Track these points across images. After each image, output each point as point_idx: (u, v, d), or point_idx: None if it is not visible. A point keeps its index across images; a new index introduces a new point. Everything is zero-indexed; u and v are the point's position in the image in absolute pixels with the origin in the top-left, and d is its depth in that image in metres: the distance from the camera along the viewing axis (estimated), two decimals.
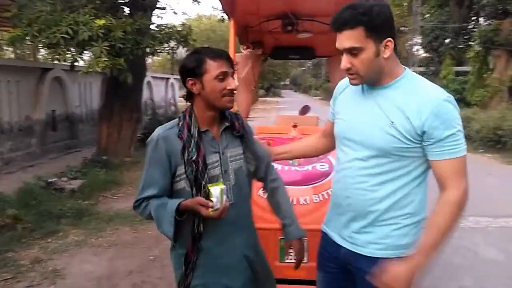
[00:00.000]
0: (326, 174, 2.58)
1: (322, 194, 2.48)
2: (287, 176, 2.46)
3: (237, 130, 1.73)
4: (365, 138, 1.59)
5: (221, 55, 1.62)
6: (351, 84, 1.60)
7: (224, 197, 1.55)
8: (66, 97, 10.28)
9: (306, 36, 3.71)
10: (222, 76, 1.59)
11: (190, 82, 1.62)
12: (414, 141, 1.50)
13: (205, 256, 1.68)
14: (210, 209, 1.52)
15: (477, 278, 3.77)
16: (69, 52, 6.49)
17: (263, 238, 2.00)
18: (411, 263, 1.50)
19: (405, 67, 1.61)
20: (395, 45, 1.51)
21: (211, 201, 1.52)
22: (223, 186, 1.55)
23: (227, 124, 1.72)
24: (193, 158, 1.60)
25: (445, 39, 21.72)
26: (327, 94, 36.96)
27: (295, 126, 3.10)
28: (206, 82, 1.60)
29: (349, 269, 1.71)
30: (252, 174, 1.81)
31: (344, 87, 1.78)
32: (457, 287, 3.61)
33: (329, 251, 1.78)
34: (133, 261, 4.10)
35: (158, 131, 1.68)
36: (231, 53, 3.15)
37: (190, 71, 1.61)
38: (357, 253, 1.65)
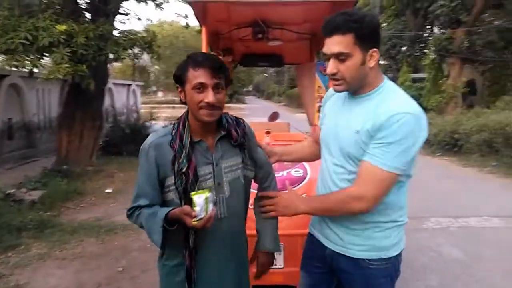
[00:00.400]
0: (301, 179, 2.61)
1: None
2: None
3: (235, 140, 1.62)
4: (339, 144, 1.64)
5: (203, 63, 1.49)
6: (336, 90, 1.63)
7: (210, 205, 1.43)
8: (23, 105, 9.86)
9: (276, 44, 3.77)
10: (200, 87, 1.48)
11: (179, 90, 1.57)
12: None
13: (203, 270, 1.60)
14: (194, 219, 1.40)
15: (442, 277, 3.91)
16: (28, 58, 6.25)
17: None
18: (294, 204, 1.70)
19: (385, 78, 1.65)
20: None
21: (194, 210, 1.41)
22: (209, 194, 1.43)
23: (223, 133, 1.62)
24: (183, 169, 1.51)
25: (402, 47, 22.57)
26: (290, 100, 37.45)
27: (268, 132, 3.13)
28: (187, 92, 1.53)
29: (334, 270, 1.75)
30: (250, 181, 1.75)
31: (331, 95, 1.83)
32: (424, 287, 3.73)
33: (315, 252, 1.81)
34: (100, 273, 3.97)
35: (151, 138, 1.61)
36: None
37: (176, 77, 1.56)
38: (341, 254, 1.69)
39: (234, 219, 1.65)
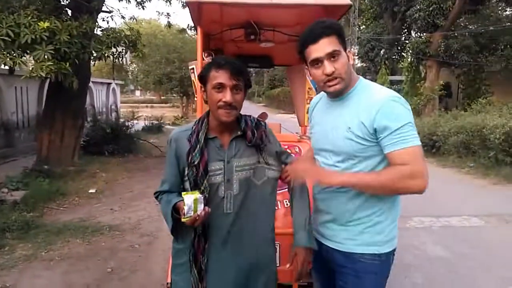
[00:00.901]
0: None
1: None
2: None
3: (249, 140, 1.70)
4: (333, 146, 1.72)
5: (223, 66, 1.60)
6: (334, 90, 1.67)
7: (201, 206, 1.53)
8: (1, 103, 9.64)
9: (268, 45, 3.79)
10: (219, 87, 1.59)
11: (202, 89, 1.69)
12: (370, 140, 1.62)
13: (214, 262, 1.68)
14: (183, 216, 1.52)
15: (426, 275, 4.03)
16: (9, 55, 6.10)
17: None
18: (336, 174, 1.67)
19: (360, 76, 1.78)
20: None
21: (183, 208, 1.53)
22: (199, 196, 1.53)
23: (239, 133, 1.70)
24: (195, 162, 1.62)
25: (380, 49, 22.94)
26: (270, 100, 37.55)
27: None
28: (208, 91, 1.65)
29: (330, 264, 1.83)
30: (276, 181, 1.80)
31: (315, 103, 1.94)
32: (410, 284, 3.83)
33: (316, 251, 1.84)
34: (89, 274, 3.93)
35: (175, 131, 1.78)
36: (199, 60, 3.15)
37: (200, 78, 1.68)
38: (336, 250, 1.77)
39: (244, 216, 1.69)
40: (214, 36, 3.79)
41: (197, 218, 1.52)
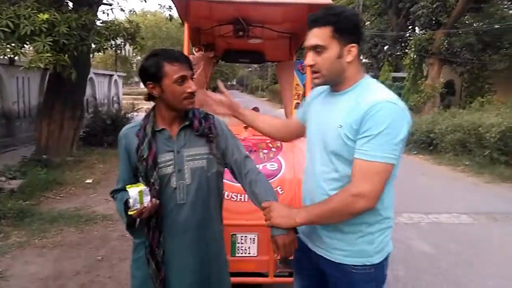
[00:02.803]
0: (275, 174, 2.74)
1: None
2: None
3: (196, 129, 1.72)
4: (323, 142, 1.65)
5: (179, 58, 1.62)
6: (315, 83, 1.67)
7: (147, 198, 1.55)
8: (3, 93, 9.74)
9: (256, 41, 3.87)
10: (181, 80, 1.62)
11: (150, 86, 1.65)
12: (355, 141, 1.53)
13: (172, 253, 1.71)
14: (129, 209, 1.55)
15: (409, 268, 4.11)
16: (9, 46, 6.19)
17: None
18: (292, 214, 1.58)
19: (366, 74, 1.67)
20: (360, 52, 1.62)
21: (129, 202, 1.55)
22: (143, 188, 1.55)
23: (187, 123, 1.72)
24: (144, 156, 1.64)
25: (384, 46, 22.87)
26: (274, 95, 37.51)
27: (246, 127, 3.23)
28: (165, 86, 1.62)
29: (322, 272, 1.76)
30: (221, 175, 1.83)
31: (317, 94, 1.84)
32: (392, 276, 3.92)
33: (305, 256, 1.82)
34: (80, 262, 4.05)
35: (124, 128, 1.77)
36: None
37: (149, 74, 1.64)
38: (326, 259, 1.70)
39: (197, 206, 1.71)
40: (205, 31, 3.87)
41: (144, 210, 1.54)
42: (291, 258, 1.75)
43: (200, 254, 1.75)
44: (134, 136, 1.70)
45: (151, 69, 1.62)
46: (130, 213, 1.56)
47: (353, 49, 1.58)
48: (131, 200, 1.53)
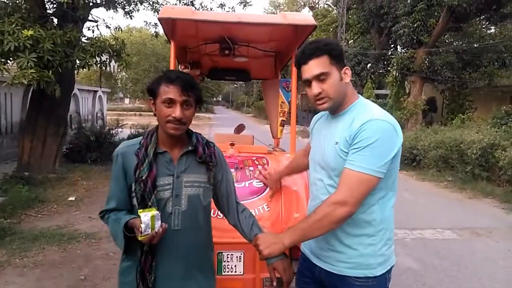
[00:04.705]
0: (261, 191, 2.74)
1: (258, 209, 2.63)
2: None
3: (199, 156, 1.69)
4: (323, 160, 1.77)
5: (174, 81, 1.58)
6: (322, 108, 1.75)
7: (158, 223, 1.51)
8: None
9: (242, 60, 3.90)
10: (169, 102, 1.58)
11: (151, 102, 1.66)
12: None
13: (165, 280, 1.67)
14: (140, 234, 1.49)
15: (394, 285, 4.12)
16: None
17: None
18: (279, 238, 1.68)
19: (360, 96, 1.81)
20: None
21: (141, 227, 1.49)
22: (155, 213, 1.50)
23: (190, 148, 1.70)
24: (143, 177, 1.59)
25: (367, 64, 23.28)
26: (259, 111, 37.72)
27: (232, 144, 3.23)
28: (157, 105, 1.62)
29: (325, 285, 1.81)
30: (209, 206, 1.80)
31: (317, 119, 2.01)
32: None
33: (307, 270, 1.88)
34: (62, 281, 3.96)
35: (121, 146, 1.73)
36: None
37: (149, 90, 1.66)
38: (329, 271, 1.75)
39: (189, 233, 1.69)
40: (191, 49, 3.89)
41: (155, 235, 1.50)
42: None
43: (190, 280, 1.73)
44: (132, 155, 1.66)
45: (152, 85, 1.65)
46: (140, 238, 1.50)
47: (348, 71, 1.73)
48: (143, 226, 1.47)
